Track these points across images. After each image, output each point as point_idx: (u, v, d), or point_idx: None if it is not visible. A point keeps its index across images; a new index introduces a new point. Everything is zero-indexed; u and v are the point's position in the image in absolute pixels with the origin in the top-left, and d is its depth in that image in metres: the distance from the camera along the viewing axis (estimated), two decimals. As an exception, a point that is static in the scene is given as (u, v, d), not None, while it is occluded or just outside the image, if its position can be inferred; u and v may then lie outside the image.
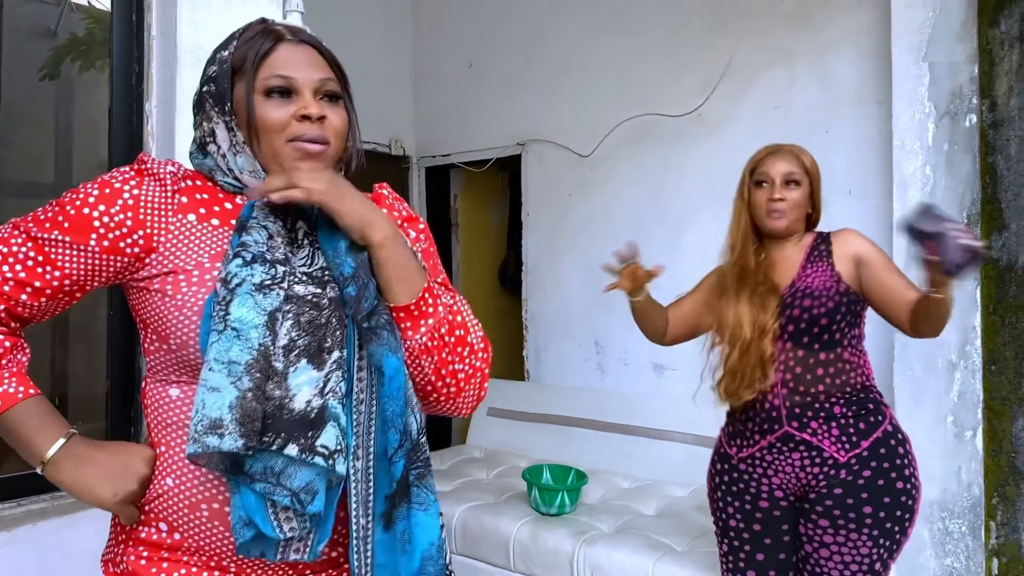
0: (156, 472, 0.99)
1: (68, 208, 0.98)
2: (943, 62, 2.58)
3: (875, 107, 3.04)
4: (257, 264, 0.94)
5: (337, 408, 0.92)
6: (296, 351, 0.92)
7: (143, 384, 1.06)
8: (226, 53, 1.04)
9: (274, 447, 0.88)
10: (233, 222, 1.01)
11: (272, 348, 0.91)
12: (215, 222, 1.02)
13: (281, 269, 0.96)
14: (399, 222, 1.11)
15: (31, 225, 0.98)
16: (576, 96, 4.01)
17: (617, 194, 3.86)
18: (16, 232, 0.98)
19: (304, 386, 0.91)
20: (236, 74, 1.03)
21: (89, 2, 2.33)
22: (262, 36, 1.04)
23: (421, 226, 1.15)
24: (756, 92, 3.40)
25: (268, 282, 0.94)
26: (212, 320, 0.92)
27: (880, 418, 1.85)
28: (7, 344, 0.97)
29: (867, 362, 1.93)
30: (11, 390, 0.95)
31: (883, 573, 1.81)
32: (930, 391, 2.58)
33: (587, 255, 3.96)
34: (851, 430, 1.82)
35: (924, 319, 1.75)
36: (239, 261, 0.94)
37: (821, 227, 1.96)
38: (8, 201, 2.21)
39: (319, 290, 0.97)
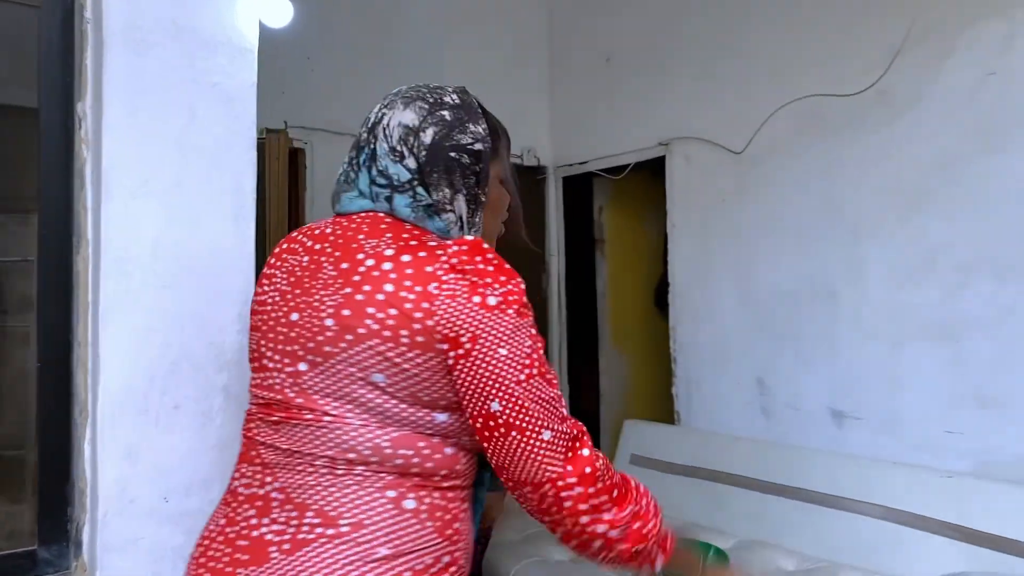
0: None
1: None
2: None
3: None
4: None
5: None
6: None
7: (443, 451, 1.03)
8: (482, 131, 1.11)
9: None
10: None
11: None
12: None
13: None
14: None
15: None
16: (725, 83, 3.39)
17: (779, 197, 3.20)
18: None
19: None
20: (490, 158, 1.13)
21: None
22: (498, 129, 1.19)
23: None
24: (958, 57, 2.62)
25: None
26: None
27: None
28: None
29: None
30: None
31: None
32: None
33: (746, 272, 3.30)
34: None
35: None
36: None
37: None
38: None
39: None
